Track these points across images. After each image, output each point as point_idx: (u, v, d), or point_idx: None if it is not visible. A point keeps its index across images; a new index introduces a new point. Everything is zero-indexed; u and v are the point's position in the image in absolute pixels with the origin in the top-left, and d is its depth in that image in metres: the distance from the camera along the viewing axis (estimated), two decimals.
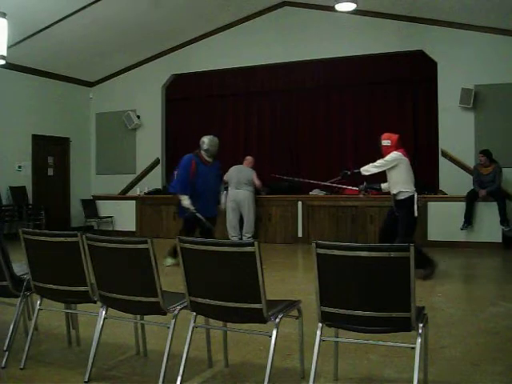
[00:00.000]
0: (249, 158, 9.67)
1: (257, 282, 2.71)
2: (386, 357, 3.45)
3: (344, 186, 8.14)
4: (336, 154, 10.70)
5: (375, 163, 6.07)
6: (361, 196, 7.28)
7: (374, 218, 9.27)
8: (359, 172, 6.21)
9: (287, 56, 10.43)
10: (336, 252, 2.59)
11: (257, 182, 9.38)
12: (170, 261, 6.99)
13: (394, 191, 6.05)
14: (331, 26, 9.98)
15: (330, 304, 2.68)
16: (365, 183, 6.43)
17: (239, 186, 9.16)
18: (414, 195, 5.94)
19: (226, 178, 9.25)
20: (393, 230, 6.03)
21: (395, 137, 6.11)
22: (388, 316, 2.60)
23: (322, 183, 7.69)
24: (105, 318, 3.20)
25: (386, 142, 6.08)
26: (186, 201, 6.73)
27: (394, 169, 6.00)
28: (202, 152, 6.93)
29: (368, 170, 6.09)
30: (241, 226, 9.37)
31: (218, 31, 11.07)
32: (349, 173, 6.39)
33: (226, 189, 9.32)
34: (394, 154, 5.98)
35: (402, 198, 5.99)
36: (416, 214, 5.90)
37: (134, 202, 11.23)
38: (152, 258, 2.90)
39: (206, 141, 6.91)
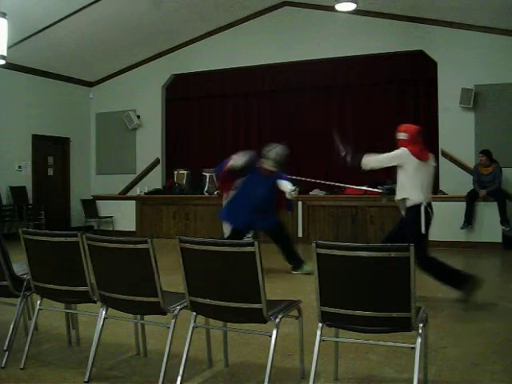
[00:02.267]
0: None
1: (257, 282, 2.71)
2: (386, 357, 3.45)
3: (363, 188, 7.44)
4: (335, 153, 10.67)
5: (378, 156, 5.02)
6: (382, 201, 6.31)
7: (374, 218, 9.27)
8: (359, 163, 5.05)
9: (287, 56, 10.43)
10: (336, 252, 2.58)
11: None
12: (306, 268, 6.36)
13: (397, 197, 5.04)
14: (331, 26, 9.98)
15: (330, 304, 2.68)
16: (387, 184, 5.27)
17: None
18: (420, 205, 4.87)
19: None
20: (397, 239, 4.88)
21: (413, 129, 5.01)
22: (388, 316, 2.60)
23: (352, 186, 6.73)
24: (105, 318, 3.20)
25: (401, 135, 4.98)
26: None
27: (400, 169, 4.95)
28: (267, 160, 6.40)
29: (367, 162, 5.03)
30: None
31: (218, 31, 11.07)
32: (343, 155, 5.17)
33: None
34: (401, 151, 4.91)
35: (409, 205, 4.94)
36: (423, 230, 4.87)
37: (133, 202, 11.23)
38: (152, 257, 2.90)
39: (277, 150, 6.39)
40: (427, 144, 10.53)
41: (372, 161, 5.06)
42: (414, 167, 4.88)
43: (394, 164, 4.98)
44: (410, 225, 4.98)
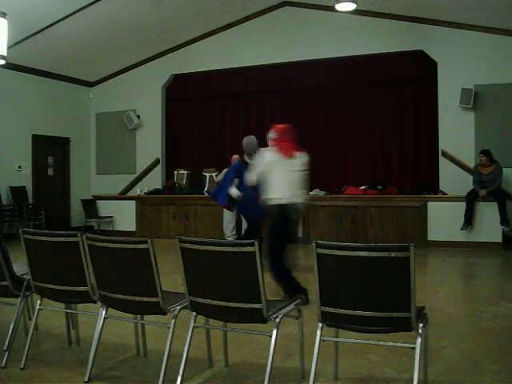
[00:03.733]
0: (236, 156, 9.54)
1: (257, 281, 2.71)
2: (386, 357, 3.45)
3: None
4: (336, 153, 10.69)
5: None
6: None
7: (374, 218, 9.27)
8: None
9: (287, 56, 10.43)
10: (336, 252, 2.59)
11: None
12: None
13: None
14: (331, 26, 9.97)
15: (330, 304, 2.68)
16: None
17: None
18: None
19: (220, 179, 9.25)
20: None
21: (282, 127, 5.01)
22: (388, 316, 2.60)
23: None
24: (105, 318, 3.20)
25: (271, 135, 4.95)
26: (232, 189, 6.48)
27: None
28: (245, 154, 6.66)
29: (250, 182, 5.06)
30: (238, 227, 9.36)
31: (218, 31, 11.07)
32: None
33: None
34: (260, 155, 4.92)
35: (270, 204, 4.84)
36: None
37: (133, 202, 11.23)
38: (152, 257, 2.90)
39: (244, 141, 6.69)
40: (427, 144, 10.50)
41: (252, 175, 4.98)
42: (275, 164, 4.77)
43: (263, 169, 4.83)
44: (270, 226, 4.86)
